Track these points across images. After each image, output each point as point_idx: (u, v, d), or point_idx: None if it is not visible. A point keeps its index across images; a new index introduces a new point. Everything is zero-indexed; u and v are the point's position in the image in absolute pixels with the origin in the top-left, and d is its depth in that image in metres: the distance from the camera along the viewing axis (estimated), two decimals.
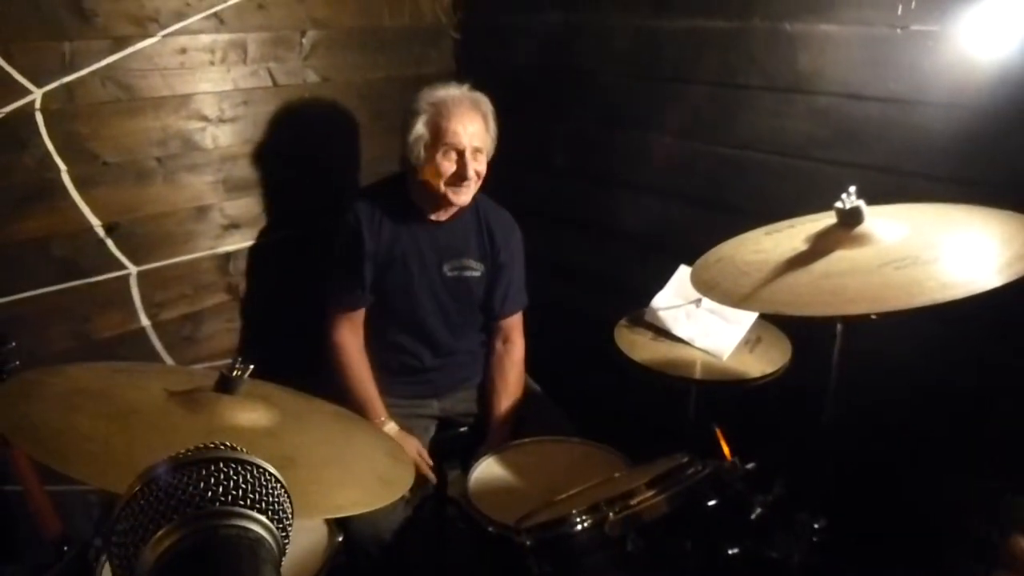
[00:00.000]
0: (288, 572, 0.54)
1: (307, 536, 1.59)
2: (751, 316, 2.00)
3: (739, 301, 1.52)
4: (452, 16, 2.80)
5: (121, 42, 2.04)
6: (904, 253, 1.43)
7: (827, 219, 1.58)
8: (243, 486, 0.55)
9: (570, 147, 2.68)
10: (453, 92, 2.12)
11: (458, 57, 2.83)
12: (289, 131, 2.45)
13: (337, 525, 1.61)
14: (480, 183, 2.16)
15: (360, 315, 2.24)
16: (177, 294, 2.32)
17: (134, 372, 1.58)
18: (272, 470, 0.57)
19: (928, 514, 2.00)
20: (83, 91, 2.00)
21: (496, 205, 2.32)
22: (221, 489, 0.54)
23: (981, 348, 1.86)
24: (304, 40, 2.42)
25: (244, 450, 0.58)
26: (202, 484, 0.54)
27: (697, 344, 2.01)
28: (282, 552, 0.56)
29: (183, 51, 2.17)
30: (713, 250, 1.75)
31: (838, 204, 1.52)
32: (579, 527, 1.44)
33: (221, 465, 0.56)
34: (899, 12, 1.84)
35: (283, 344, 2.41)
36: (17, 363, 1.74)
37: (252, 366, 1.37)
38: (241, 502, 0.55)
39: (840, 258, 1.48)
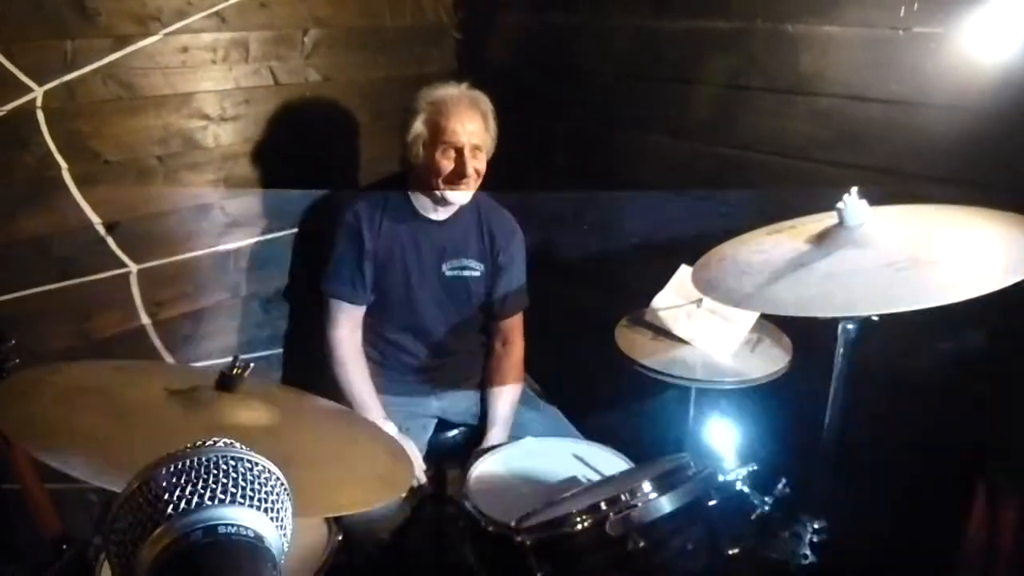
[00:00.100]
0: (287, 571, 0.53)
1: (307, 535, 1.59)
2: (752, 316, 2.00)
3: (740, 301, 1.52)
4: (453, 16, 2.80)
5: (123, 40, 2.04)
6: (906, 255, 1.43)
7: (829, 220, 1.58)
8: (242, 484, 0.55)
9: (570, 147, 2.68)
10: (452, 91, 2.13)
11: (459, 57, 2.83)
12: (290, 130, 2.44)
13: (336, 524, 1.61)
14: (480, 181, 2.16)
15: (360, 314, 2.24)
16: (177, 293, 2.32)
17: (134, 370, 1.58)
18: (272, 467, 0.57)
19: (929, 515, 2.00)
20: (84, 89, 2.00)
21: (498, 206, 2.32)
22: (220, 486, 0.54)
23: (982, 350, 1.86)
24: (306, 39, 2.42)
25: (244, 447, 0.57)
26: (201, 481, 0.54)
27: (698, 344, 2.01)
28: (281, 550, 0.56)
29: (185, 50, 2.17)
30: (714, 250, 1.75)
31: (840, 205, 1.52)
32: (579, 527, 1.44)
33: (220, 462, 0.55)
34: (901, 14, 1.84)
35: (283, 342, 2.43)
36: (17, 361, 1.73)
37: (252, 365, 1.37)
38: (240, 499, 0.54)
39: (841, 259, 1.48)
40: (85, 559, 1.59)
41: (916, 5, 1.81)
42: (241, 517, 0.54)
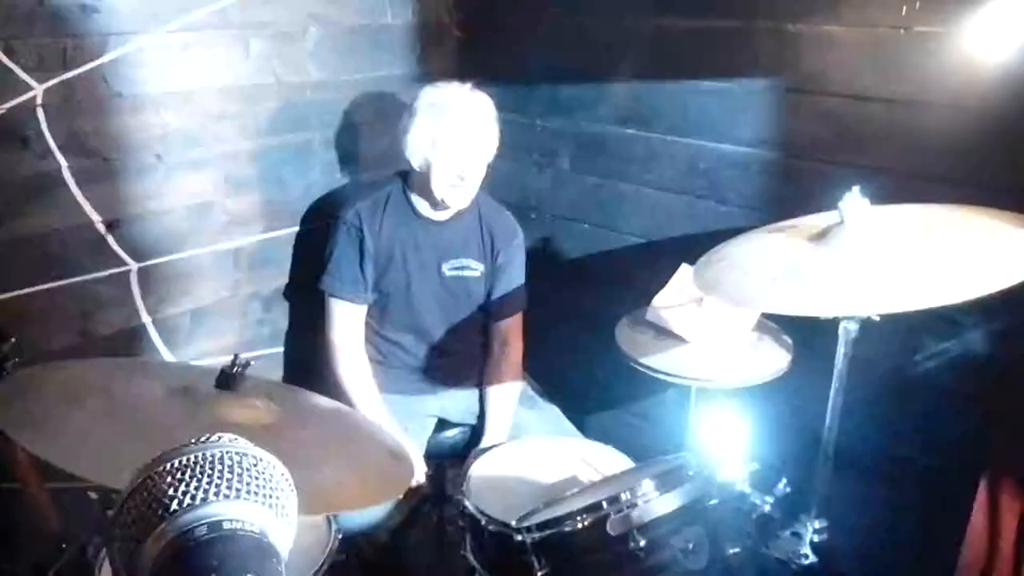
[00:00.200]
0: (288, 569, 0.53)
1: (306, 534, 1.59)
2: (753, 316, 2.00)
3: (741, 300, 1.52)
4: (455, 14, 2.80)
5: (123, 38, 2.04)
6: (907, 254, 1.43)
7: (830, 219, 1.58)
8: (246, 479, 0.55)
9: (572, 146, 2.68)
10: (453, 92, 2.11)
11: (461, 56, 2.83)
12: (291, 128, 2.44)
13: (335, 523, 1.60)
14: (479, 184, 2.16)
15: (361, 314, 2.24)
16: (178, 291, 2.31)
17: (135, 369, 1.58)
18: (276, 462, 0.57)
19: (930, 515, 2.00)
20: (84, 87, 2.00)
21: (499, 206, 2.32)
22: (224, 482, 0.54)
23: (984, 350, 1.86)
24: (307, 37, 2.42)
25: (247, 442, 0.57)
26: (205, 477, 0.54)
27: (699, 343, 2.00)
28: (285, 544, 0.56)
29: (185, 47, 2.16)
30: (715, 249, 1.74)
31: (841, 204, 1.52)
32: (580, 526, 1.44)
33: (224, 457, 0.55)
34: (903, 13, 1.84)
35: (284, 341, 2.43)
36: (17, 359, 1.73)
37: (252, 363, 1.37)
38: (244, 495, 0.54)
39: (843, 258, 1.48)
40: (85, 558, 1.59)
41: (918, 4, 1.81)
42: (245, 512, 0.54)
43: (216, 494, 0.54)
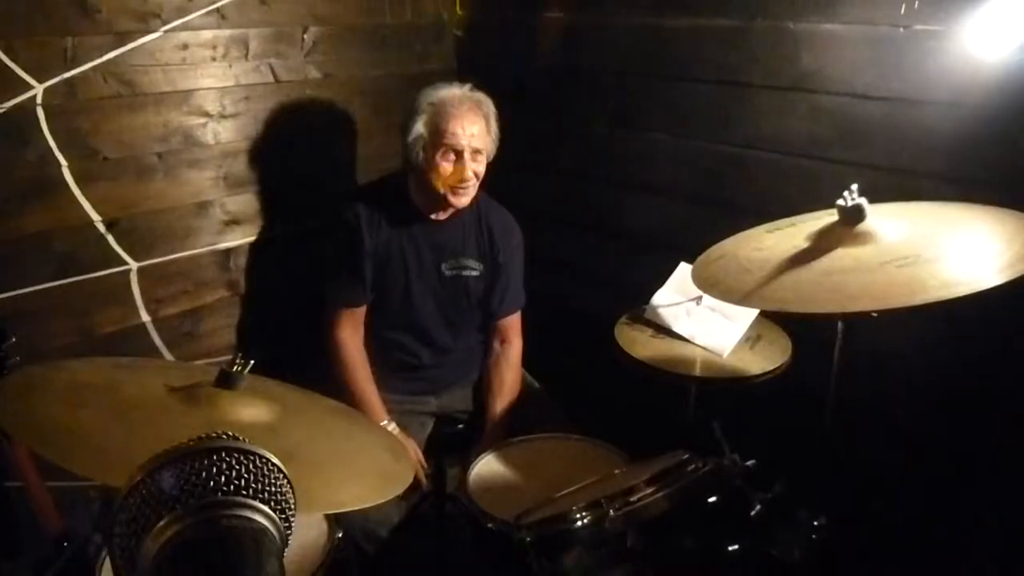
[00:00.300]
0: (288, 568, 0.54)
1: (307, 533, 1.59)
2: (752, 313, 2.00)
3: (740, 298, 1.52)
4: (454, 13, 2.80)
5: (123, 37, 2.04)
6: (906, 251, 1.43)
7: (829, 217, 1.58)
8: (246, 476, 0.55)
9: (572, 145, 2.68)
10: (454, 92, 2.11)
11: (460, 55, 2.83)
12: (290, 127, 2.45)
13: (336, 522, 1.61)
14: (480, 184, 2.16)
15: (361, 313, 2.24)
16: (177, 290, 2.32)
17: (135, 368, 1.58)
18: (275, 460, 0.57)
19: (928, 512, 2.01)
20: (84, 86, 2.00)
21: (497, 204, 2.32)
22: (224, 479, 0.54)
23: (982, 347, 1.86)
24: (306, 36, 2.42)
25: (247, 440, 0.57)
26: (204, 474, 0.54)
27: (697, 341, 2.01)
28: (285, 542, 0.56)
29: (185, 47, 2.17)
30: (714, 247, 1.74)
31: (840, 202, 1.52)
32: (579, 523, 1.44)
33: (224, 455, 0.55)
34: (902, 11, 1.84)
35: (283, 340, 2.42)
36: (18, 359, 1.74)
37: (252, 362, 1.37)
38: (244, 492, 0.54)
39: (842, 256, 1.48)
40: (86, 556, 1.60)
41: (917, 3, 1.81)
42: (246, 509, 0.54)
43: (216, 490, 0.54)
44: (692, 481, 1.52)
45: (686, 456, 1.59)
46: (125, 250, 2.17)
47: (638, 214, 2.52)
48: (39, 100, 1.94)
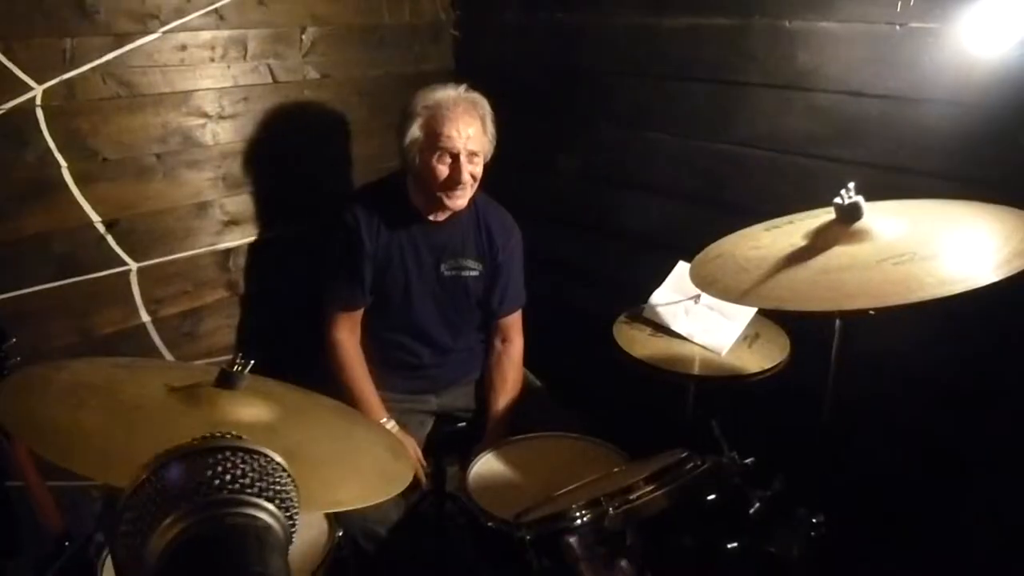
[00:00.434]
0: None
1: (307, 531, 1.60)
2: (750, 312, 2.01)
3: (738, 297, 1.52)
4: (452, 13, 2.80)
5: (122, 38, 2.05)
6: (903, 249, 1.43)
7: (826, 215, 1.58)
8: (251, 474, 0.56)
9: (570, 145, 2.68)
10: (450, 94, 2.10)
11: (458, 55, 2.83)
12: (289, 128, 2.45)
13: (336, 521, 1.61)
14: (477, 186, 2.16)
15: (359, 315, 2.24)
16: (177, 290, 2.32)
17: (135, 368, 1.58)
18: (278, 459, 0.58)
19: (926, 509, 2.01)
20: (84, 87, 2.01)
21: (496, 204, 2.32)
22: (229, 477, 0.55)
23: (979, 344, 1.87)
24: (304, 37, 2.42)
25: (250, 440, 0.58)
26: (209, 472, 0.54)
27: (696, 340, 2.02)
28: (289, 540, 0.57)
29: (183, 47, 2.17)
30: (712, 246, 1.75)
31: (837, 200, 1.53)
32: (578, 522, 1.44)
33: (228, 454, 0.56)
34: (898, 9, 1.84)
35: (283, 340, 2.42)
36: (18, 359, 1.74)
37: (252, 362, 1.37)
38: (249, 490, 0.55)
39: (839, 254, 1.49)
40: (87, 555, 1.60)
41: (913, 1, 1.82)
42: (251, 507, 0.55)
43: (221, 488, 0.54)
44: (691, 479, 1.53)
45: (685, 454, 1.59)
46: (125, 251, 2.18)
47: (637, 213, 2.53)
48: (38, 101, 1.94)
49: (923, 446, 2.00)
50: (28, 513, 1.75)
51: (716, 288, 1.59)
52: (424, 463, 2.16)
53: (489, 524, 1.65)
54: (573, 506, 1.46)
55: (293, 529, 0.58)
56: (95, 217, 2.10)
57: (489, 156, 2.16)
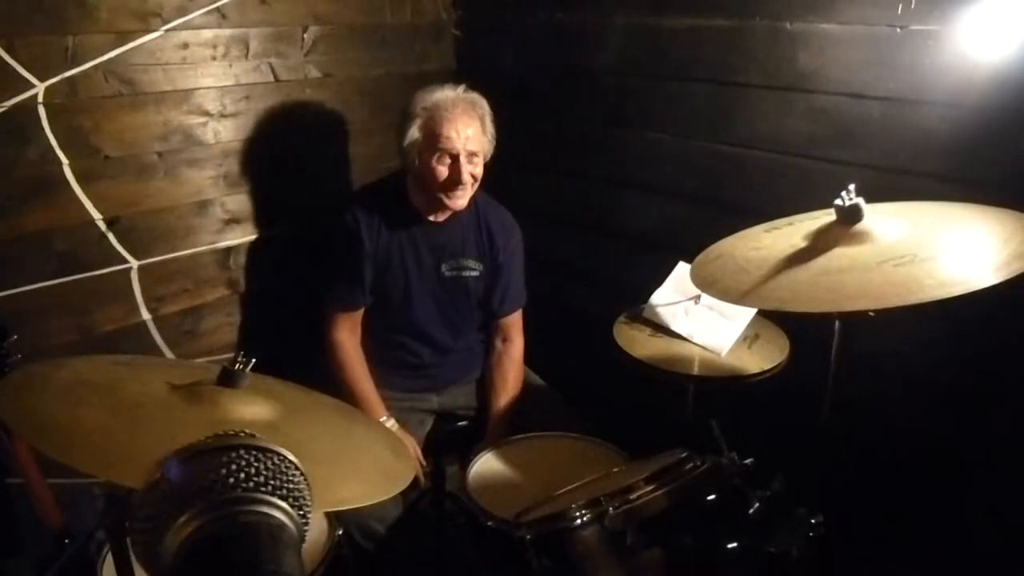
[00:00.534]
0: None
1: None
2: (750, 312, 2.01)
3: (738, 297, 1.53)
4: (453, 13, 2.81)
5: (124, 36, 2.05)
6: (903, 251, 1.43)
7: (826, 217, 1.59)
8: (264, 472, 0.56)
9: (570, 145, 2.69)
10: (448, 95, 2.09)
11: (459, 54, 2.84)
12: (290, 127, 2.45)
13: (336, 519, 1.62)
14: (477, 186, 2.16)
15: (359, 315, 2.25)
16: (178, 288, 2.33)
17: (136, 365, 1.58)
18: (292, 457, 0.58)
19: (926, 510, 2.02)
20: (85, 85, 2.01)
21: (496, 204, 2.32)
22: (243, 475, 0.55)
23: (979, 345, 1.87)
24: (306, 36, 2.43)
25: (262, 438, 0.58)
26: (223, 471, 0.55)
27: (696, 340, 2.02)
28: (302, 537, 0.57)
29: (185, 46, 2.17)
30: (712, 247, 1.75)
31: (837, 202, 1.53)
32: (578, 521, 1.45)
33: (242, 452, 0.56)
34: (899, 12, 1.85)
35: (283, 338, 2.43)
36: (19, 356, 1.74)
37: (254, 360, 1.37)
38: (263, 488, 0.55)
39: (839, 255, 1.49)
40: (87, 553, 1.60)
41: (914, 3, 1.82)
42: (265, 505, 0.55)
43: (236, 486, 0.55)
44: (691, 479, 1.53)
45: (685, 454, 1.59)
46: (126, 248, 2.18)
47: (637, 214, 2.53)
48: (40, 99, 1.94)
49: (923, 446, 2.01)
50: (28, 511, 1.75)
51: (716, 289, 1.59)
52: (423, 462, 2.16)
53: (489, 523, 1.66)
54: (573, 506, 1.46)
55: (306, 527, 0.58)
56: (96, 215, 2.10)
57: (489, 156, 2.16)
